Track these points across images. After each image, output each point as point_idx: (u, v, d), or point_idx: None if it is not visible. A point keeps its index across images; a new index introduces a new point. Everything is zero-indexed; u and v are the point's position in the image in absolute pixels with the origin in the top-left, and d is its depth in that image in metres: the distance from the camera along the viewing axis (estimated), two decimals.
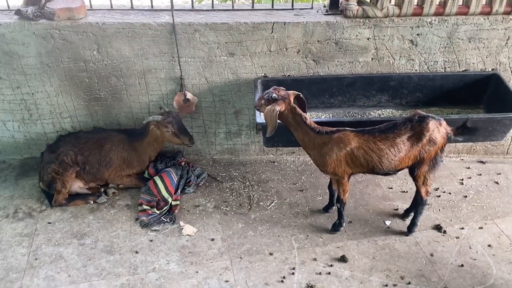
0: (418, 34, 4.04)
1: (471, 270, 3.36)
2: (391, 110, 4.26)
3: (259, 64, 4.15)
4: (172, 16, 3.89)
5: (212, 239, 3.68)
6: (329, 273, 3.34)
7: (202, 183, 4.31)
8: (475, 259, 3.44)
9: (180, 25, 3.93)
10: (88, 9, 4.15)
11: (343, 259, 3.44)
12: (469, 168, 4.47)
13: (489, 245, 3.56)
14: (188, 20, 3.96)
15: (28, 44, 3.95)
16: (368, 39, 4.05)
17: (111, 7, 4.26)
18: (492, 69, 4.19)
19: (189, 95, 4.19)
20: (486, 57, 4.15)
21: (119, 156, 4.14)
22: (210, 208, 4.02)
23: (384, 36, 4.04)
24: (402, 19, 3.97)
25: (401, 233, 3.69)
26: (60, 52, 4.01)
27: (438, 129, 3.26)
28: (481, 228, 3.73)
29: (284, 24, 3.96)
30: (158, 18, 4.01)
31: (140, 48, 4.02)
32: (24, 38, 3.92)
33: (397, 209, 3.94)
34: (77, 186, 4.10)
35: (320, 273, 3.34)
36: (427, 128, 3.23)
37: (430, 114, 3.31)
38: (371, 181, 4.28)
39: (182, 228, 3.77)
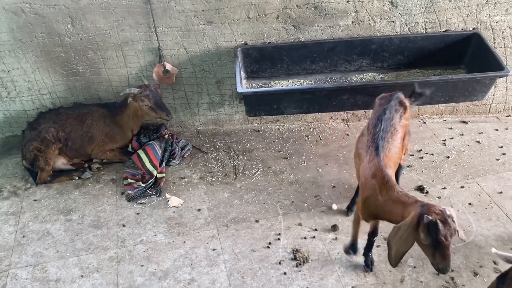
0: None
1: None
2: (372, 74, 4.25)
3: (238, 32, 4.07)
4: None
5: (199, 210, 3.71)
6: (313, 237, 3.40)
7: (187, 154, 4.31)
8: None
9: None
10: None
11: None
12: (451, 128, 4.51)
13: (469, 204, 3.64)
14: None
15: None
16: (347, 1, 3.97)
17: None
18: (473, 29, 4.16)
19: (168, 66, 4.12)
20: (467, 16, 4.11)
21: (101, 131, 4.11)
22: (195, 179, 4.04)
23: None
24: None
25: None
26: (33, 27, 3.90)
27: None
28: (462, 187, 3.80)
29: None
30: None
31: (115, 20, 3.92)
32: None
33: None
34: (61, 162, 4.08)
35: (305, 238, 3.41)
36: (405, 105, 3.10)
37: (394, 93, 3.14)
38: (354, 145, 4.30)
39: (169, 200, 3.79)
